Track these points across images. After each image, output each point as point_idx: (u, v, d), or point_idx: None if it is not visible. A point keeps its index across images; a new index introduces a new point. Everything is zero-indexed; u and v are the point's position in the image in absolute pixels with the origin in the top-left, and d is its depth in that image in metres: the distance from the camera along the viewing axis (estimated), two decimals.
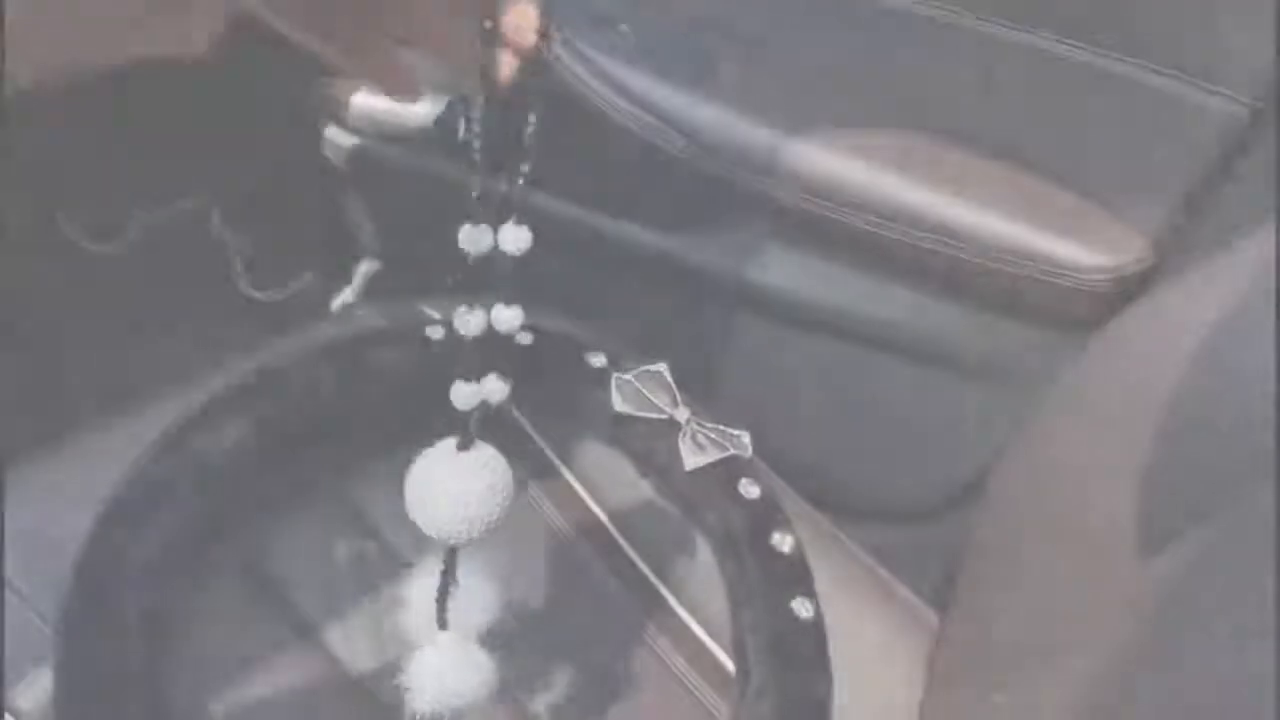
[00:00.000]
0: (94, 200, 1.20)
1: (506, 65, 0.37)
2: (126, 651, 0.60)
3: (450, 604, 0.51)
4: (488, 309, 0.42)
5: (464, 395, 0.43)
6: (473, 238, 0.40)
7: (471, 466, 0.45)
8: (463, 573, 0.50)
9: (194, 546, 0.66)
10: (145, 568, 0.63)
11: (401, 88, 0.40)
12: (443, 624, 0.51)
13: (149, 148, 1.21)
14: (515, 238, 0.41)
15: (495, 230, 0.41)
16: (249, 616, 0.66)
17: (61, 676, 0.60)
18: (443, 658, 0.51)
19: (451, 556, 0.49)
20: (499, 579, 0.52)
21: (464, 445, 0.45)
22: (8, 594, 0.63)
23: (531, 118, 0.38)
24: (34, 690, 0.60)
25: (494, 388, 0.44)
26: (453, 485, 0.44)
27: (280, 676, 0.64)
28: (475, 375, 0.43)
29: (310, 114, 1.12)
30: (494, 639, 0.53)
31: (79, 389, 1.03)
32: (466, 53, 0.36)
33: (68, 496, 0.65)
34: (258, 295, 1.28)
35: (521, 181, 0.40)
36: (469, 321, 0.41)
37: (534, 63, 0.37)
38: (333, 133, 1.11)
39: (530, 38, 0.36)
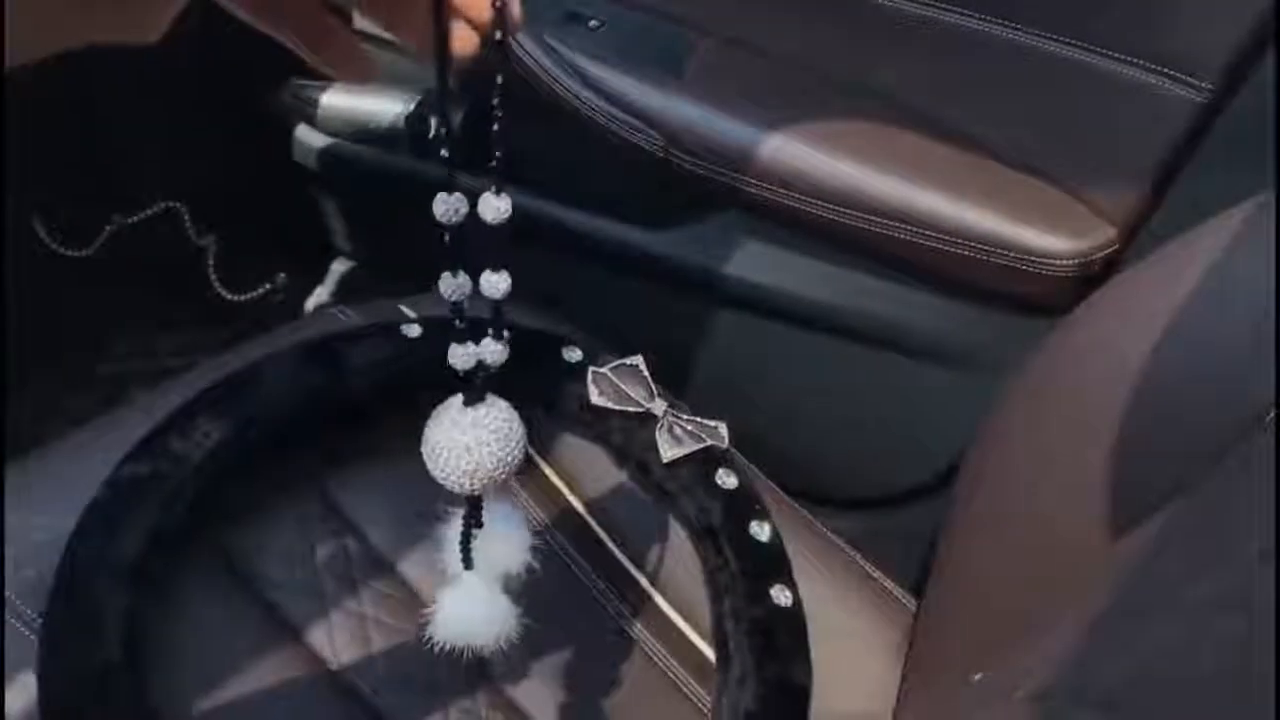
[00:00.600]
0: (69, 205, 1.19)
1: (462, 41, 0.36)
2: (108, 653, 0.61)
3: (475, 547, 0.53)
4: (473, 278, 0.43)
5: (460, 356, 0.44)
6: (447, 206, 0.40)
7: (481, 418, 0.46)
8: (489, 519, 0.53)
9: (174, 547, 0.66)
10: (126, 569, 0.63)
11: (353, 70, 0.40)
12: (468, 564, 0.54)
13: (121, 152, 1.21)
14: (495, 207, 0.41)
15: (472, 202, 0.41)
16: (230, 615, 0.66)
17: (45, 679, 0.60)
18: (467, 596, 0.55)
19: (473, 503, 0.52)
20: (522, 526, 0.56)
21: (469, 401, 0.46)
22: None
23: (495, 99, 0.38)
24: (18, 693, 0.61)
25: (491, 349, 0.45)
26: (464, 437, 0.45)
27: (262, 674, 0.64)
28: (470, 336, 0.44)
29: (281, 115, 1.11)
30: (515, 582, 0.57)
31: (56, 394, 1.03)
32: (420, 28, 0.36)
33: (49, 501, 0.66)
34: (231, 296, 1.28)
35: (498, 154, 0.40)
36: (453, 285, 0.42)
37: (492, 37, 0.36)
38: (303, 133, 1.11)
39: (485, 12, 0.35)
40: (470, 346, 0.44)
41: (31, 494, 0.69)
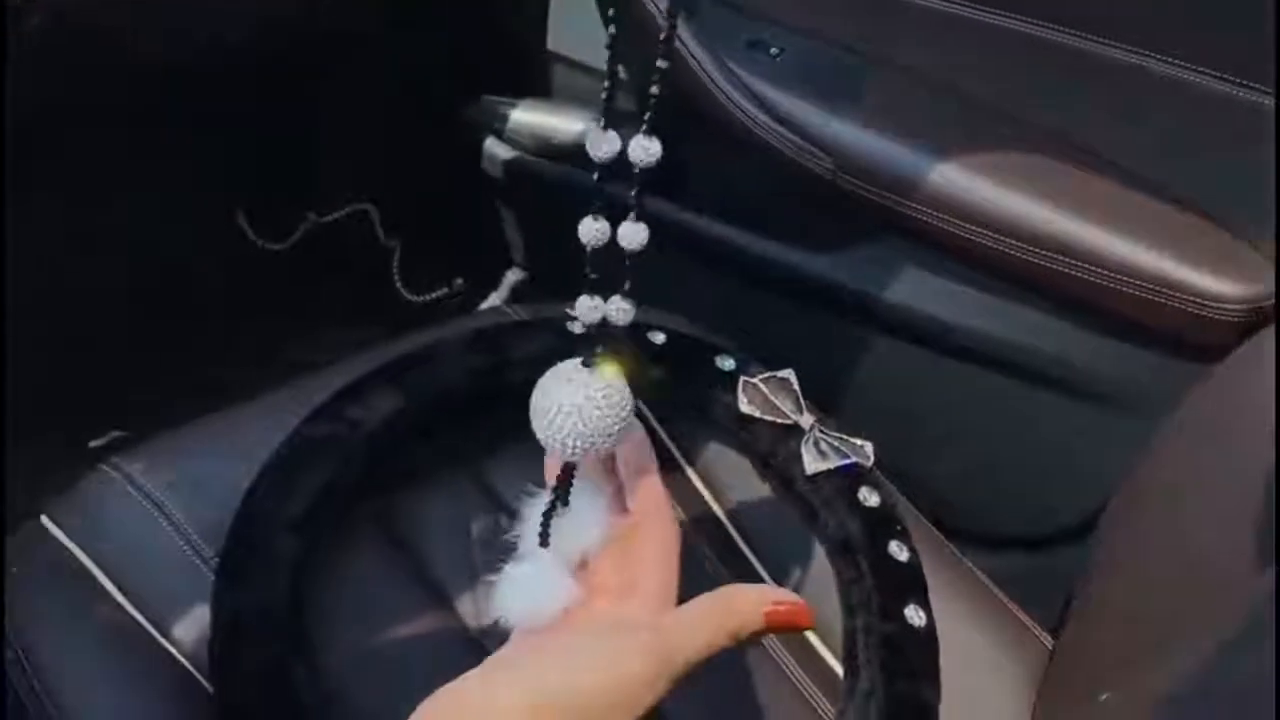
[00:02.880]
0: (271, 202, 1.28)
1: None
2: (275, 594, 0.66)
3: (556, 526, 0.51)
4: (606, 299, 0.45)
5: (586, 308, 0.45)
6: (591, 231, 0.43)
7: (592, 383, 0.46)
8: (576, 501, 0.51)
9: (341, 506, 0.71)
10: (296, 521, 0.68)
11: None
12: (544, 541, 0.51)
13: (323, 156, 1.29)
14: (633, 234, 0.43)
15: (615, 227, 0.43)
16: (386, 574, 0.71)
17: (217, 613, 0.65)
18: (532, 573, 0.51)
19: (566, 476, 0.51)
20: (602, 508, 0.52)
21: (587, 361, 0.47)
22: (175, 535, 0.69)
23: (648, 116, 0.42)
24: (193, 624, 0.66)
25: (618, 306, 0.46)
26: (571, 399, 0.46)
27: (409, 629, 0.68)
28: (599, 291, 0.45)
29: (471, 127, 1.18)
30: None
31: (251, 362, 1.11)
32: None
33: (235, 453, 0.71)
34: (411, 297, 1.34)
35: (638, 178, 0.42)
36: (589, 308, 0.45)
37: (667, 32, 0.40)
38: (492, 145, 1.17)
39: None
40: (598, 299, 0.45)
41: (216, 448, 0.74)
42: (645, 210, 0.43)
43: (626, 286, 0.46)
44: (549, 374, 0.48)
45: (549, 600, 0.50)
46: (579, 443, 0.47)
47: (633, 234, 0.44)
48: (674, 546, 0.49)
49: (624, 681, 0.42)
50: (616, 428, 0.47)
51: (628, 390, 0.48)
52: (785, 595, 0.47)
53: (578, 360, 0.47)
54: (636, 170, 0.42)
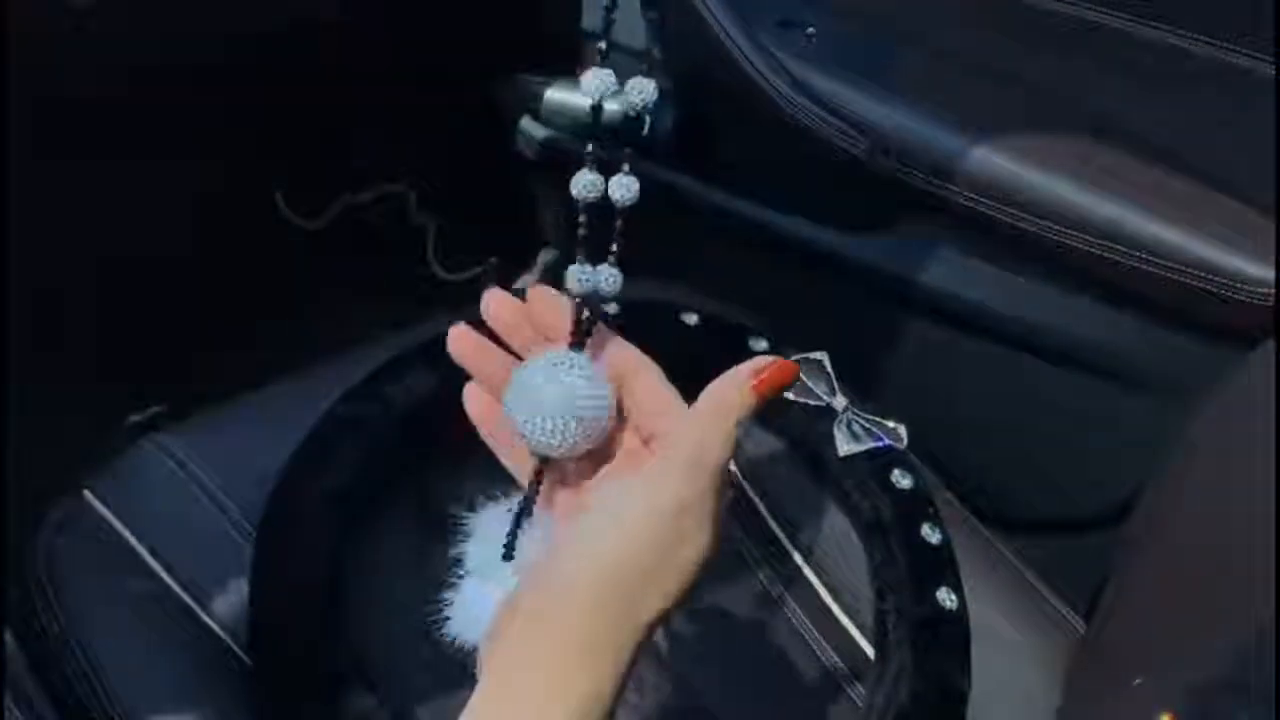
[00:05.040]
0: (308, 180, 1.29)
1: None
2: (311, 571, 0.67)
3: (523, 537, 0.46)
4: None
5: (576, 278, 0.43)
6: (585, 184, 0.42)
7: (574, 381, 0.43)
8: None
9: (377, 483, 0.71)
10: (333, 498, 0.69)
11: None
12: (508, 554, 0.46)
13: (359, 135, 1.30)
14: (624, 186, 0.43)
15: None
16: (419, 549, 0.71)
17: (254, 588, 0.66)
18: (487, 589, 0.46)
19: (535, 482, 0.46)
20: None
21: (575, 345, 0.44)
22: (213, 510, 0.70)
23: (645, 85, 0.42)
24: (231, 596, 0.67)
25: (607, 274, 0.43)
26: (549, 392, 0.43)
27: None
28: (590, 259, 0.43)
29: (506, 106, 1.18)
30: None
31: (287, 339, 1.12)
32: None
33: (272, 430, 0.72)
34: (446, 276, 1.35)
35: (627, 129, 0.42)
36: (580, 274, 0.44)
37: None
38: (526, 124, 1.17)
39: None
40: (588, 268, 0.44)
41: (254, 424, 0.76)
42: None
43: (614, 248, 0.44)
44: (532, 364, 0.44)
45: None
46: (551, 442, 0.43)
47: (624, 187, 0.43)
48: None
49: (671, 512, 0.40)
50: (591, 428, 0.43)
51: (607, 387, 0.44)
52: (759, 364, 0.44)
53: (559, 353, 0.44)
54: (632, 116, 0.42)
